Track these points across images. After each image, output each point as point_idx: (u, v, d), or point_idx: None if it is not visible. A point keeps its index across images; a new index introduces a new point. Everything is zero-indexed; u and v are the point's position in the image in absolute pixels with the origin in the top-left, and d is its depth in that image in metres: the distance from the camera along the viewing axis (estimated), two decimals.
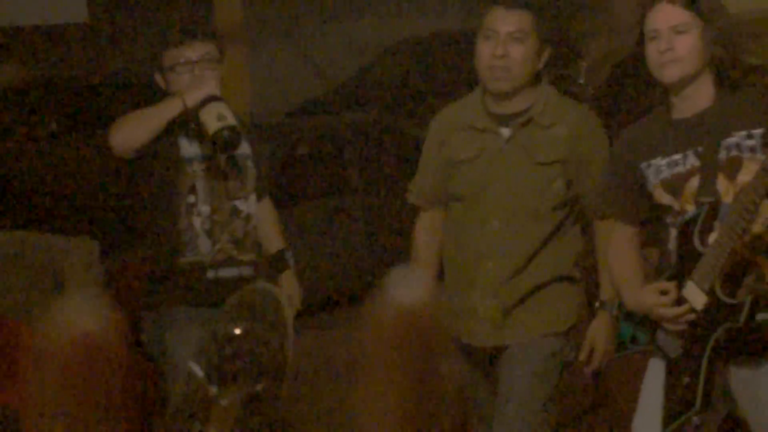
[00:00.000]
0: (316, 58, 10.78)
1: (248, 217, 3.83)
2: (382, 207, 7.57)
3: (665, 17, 2.99)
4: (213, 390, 2.21)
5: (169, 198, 3.72)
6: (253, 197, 3.87)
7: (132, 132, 3.66)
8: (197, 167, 3.74)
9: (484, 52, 3.39)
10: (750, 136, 2.96)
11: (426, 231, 3.62)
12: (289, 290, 3.91)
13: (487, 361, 3.49)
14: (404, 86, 9.80)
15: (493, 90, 3.40)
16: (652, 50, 3.00)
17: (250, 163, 3.87)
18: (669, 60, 2.98)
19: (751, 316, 2.89)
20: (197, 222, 3.74)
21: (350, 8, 11.08)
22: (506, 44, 3.36)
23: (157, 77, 3.79)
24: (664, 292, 3.01)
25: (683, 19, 2.98)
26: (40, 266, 5.38)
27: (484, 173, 3.44)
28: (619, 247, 3.21)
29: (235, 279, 3.74)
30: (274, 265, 3.95)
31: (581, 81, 5.24)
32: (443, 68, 9.53)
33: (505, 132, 3.43)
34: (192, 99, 3.63)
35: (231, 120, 3.63)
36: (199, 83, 3.67)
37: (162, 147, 3.69)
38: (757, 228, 2.95)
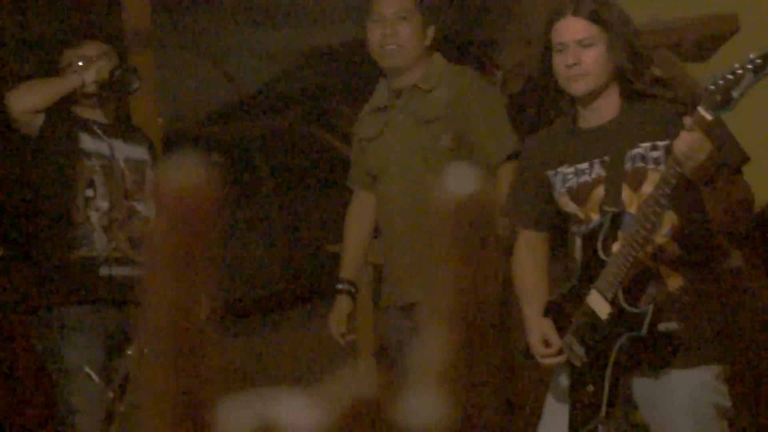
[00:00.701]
0: (227, 66, 10.71)
1: (146, 220, 3.81)
2: (296, 212, 7.56)
3: (571, 31, 3.01)
4: (109, 395, 2.17)
5: (66, 189, 3.73)
6: (151, 203, 3.84)
7: (30, 96, 3.73)
8: (96, 162, 3.76)
9: (375, 34, 3.63)
10: (655, 148, 2.99)
11: (354, 211, 3.84)
12: None
13: (406, 317, 3.65)
14: (318, 94, 9.78)
15: (388, 66, 3.65)
16: (559, 63, 3.02)
17: (148, 169, 3.88)
18: (576, 74, 2.99)
19: (653, 325, 2.91)
20: (95, 217, 3.73)
21: (263, 16, 11.02)
22: (393, 24, 3.60)
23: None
24: (547, 343, 3.04)
25: (589, 32, 3.00)
26: None
27: (387, 146, 3.67)
28: (521, 254, 3.21)
29: (129, 278, 3.73)
30: None
31: (498, 77, 5.25)
32: (357, 76, 9.51)
33: (399, 103, 3.66)
34: (89, 76, 3.74)
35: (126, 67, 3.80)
36: (90, 66, 3.77)
37: (61, 137, 3.74)
38: (659, 238, 2.97)
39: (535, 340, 3.07)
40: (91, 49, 3.83)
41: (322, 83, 10.41)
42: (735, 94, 2.77)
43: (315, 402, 0.49)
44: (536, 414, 3.25)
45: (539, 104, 3.39)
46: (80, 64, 3.80)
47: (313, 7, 11.89)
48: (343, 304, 3.77)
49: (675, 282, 3.00)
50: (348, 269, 3.82)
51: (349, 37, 11.08)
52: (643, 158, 2.99)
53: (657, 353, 2.96)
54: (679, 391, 2.98)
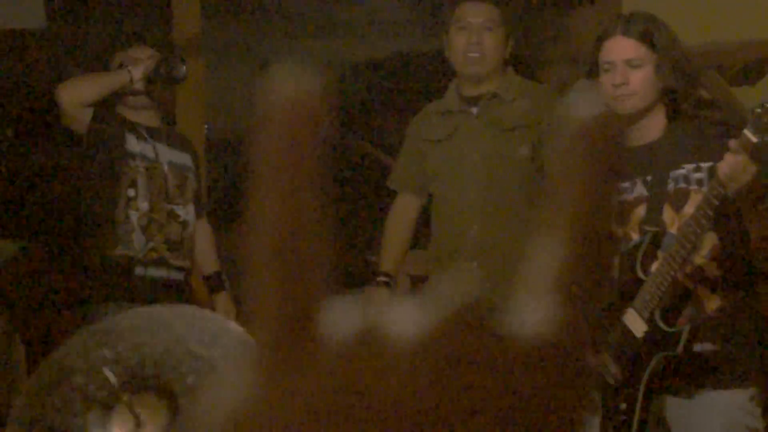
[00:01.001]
0: None
1: (185, 224, 3.87)
2: (340, 223, 7.59)
3: (620, 50, 3.02)
4: (125, 398, 2.16)
5: (111, 188, 3.78)
6: (191, 207, 3.92)
7: (80, 89, 3.79)
8: (140, 164, 3.81)
9: (460, 41, 3.64)
10: (698, 169, 2.99)
11: (398, 213, 3.85)
12: (224, 312, 3.94)
13: None
14: (364, 107, 9.81)
15: (469, 73, 3.67)
16: (606, 82, 3.02)
17: (191, 175, 3.94)
18: (623, 93, 3.00)
19: (689, 345, 2.91)
20: (134, 216, 3.78)
21: (313, 27, 11.08)
22: (480, 33, 3.63)
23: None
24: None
25: (637, 53, 3.01)
26: None
27: (458, 149, 3.66)
28: None
29: (164, 280, 3.79)
30: (210, 285, 3.98)
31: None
32: (403, 90, 9.54)
33: (475, 110, 3.67)
34: (137, 72, 3.80)
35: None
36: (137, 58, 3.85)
37: (108, 136, 3.78)
38: (698, 259, 2.97)
39: None
40: (140, 52, 3.89)
41: (369, 95, 10.45)
42: None
43: (421, 305, 0.49)
44: None
45: None
46: (132, 63, 3.85)
47: (363, 19, 11.95)
48: (381, 295, 3.74)
49: (712, 303, 2.99)
50: (388, 263, 3.81)
51: (397, 51, 11.13)
52: (686, 179, 2.99)
53: (692, 374, 2.96)
54: (712, 413, 2.97)
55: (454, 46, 3.68)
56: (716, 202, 2.83)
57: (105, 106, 3.85)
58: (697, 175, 2.99)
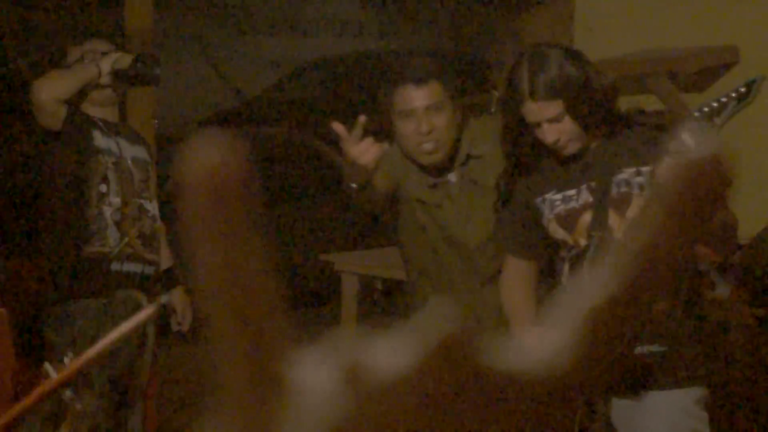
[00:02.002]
0: (227, 71, 10.72)
1: (154, 218, 3.88)
2: (289, 221, 7.57)
3: (537, 113, 3.00)
4: (68, 394, 2.14)
5: (81, 185, 3.76)
6: (155, 202, 3.93)
7: (56, 84, 3.75)
8: (108, 159, 3.80)
9: (408, 130, 3.36)
10: (638, 173, 3.01)
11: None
12: (179, 307, 3.99)
13: None
14: (316, 104, 9.80)
15: (429, 163, 3.41)
16: (541, 137, 3.03)
17: (151, 170, 3.96)
18: (563, 143, 3.02)
19: (632, 347, 2.92)
20: (107, 212, 3.77)
21: (264, 23, 11.04)
22: (429, 118, 3.35)
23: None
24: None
25: (554, 111, 2.99)
26: None
27: (452, 216, 3.48)
28: (510, 281, 3.24)
29: (139, 275, 3.80)
30: (165, 281, 3.99)
31: (492, 110, 5.27)
32: (356, 89, 9.54)
33: (452, 177, 3.47)
34: (105, 66, 3.78)
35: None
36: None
37: (78, 132, 3.77)
38: None
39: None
40: (98, 45, 3.88)
41: (319, 93, 10.42)
42: (718, 121, 2.80)
43: (402, 340, 0.49)
44: None
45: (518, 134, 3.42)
46: (92, 57, 3.84)
47: (315, 18, 11.91)
48: None
49: (658, 305, 3.00)
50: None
51: (348, 50, 11.12)
52: (628, 183, 3.02)
53: (636, 375, 2.97)
54: (657, 415, 2.99)
55: (404, 135, 3.38)
56: None
57: (71, 103, 3.84)
58: (638, 179, 3.01)
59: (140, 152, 3.95)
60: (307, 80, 10.56)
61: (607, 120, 3.06)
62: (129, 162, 3.86)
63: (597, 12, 4.52)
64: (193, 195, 0.49)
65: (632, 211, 2.97)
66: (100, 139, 3.82)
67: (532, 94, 3.00)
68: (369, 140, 3.23)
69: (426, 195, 3.48)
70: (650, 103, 4.02)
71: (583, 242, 3.04)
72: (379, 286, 5.90)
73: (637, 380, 2.98)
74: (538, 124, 3.03)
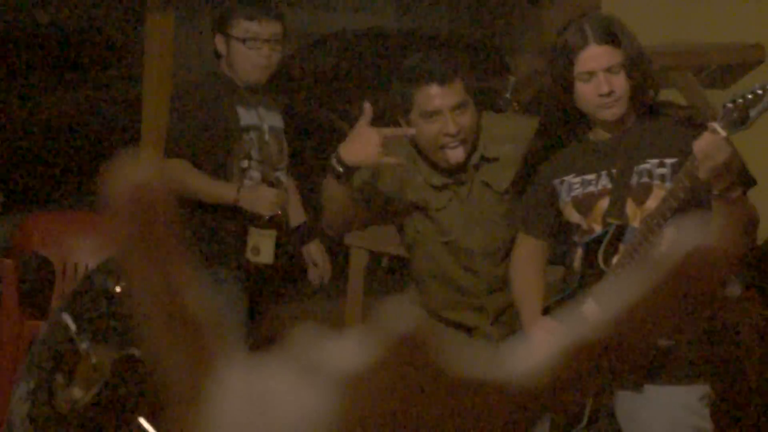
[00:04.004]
0: None
1: (286, 189, 3.91)
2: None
3: (598, 59, 3.01)
4: (83, 345, 2.12)
5: (225, 162, 3.79)
6: (287, 171, 3.97)
7: (180, 183, 3.67)
8: (253, 135, 3.83)
9: (431, 131, 3.24)
10: (662, 164, 3.00)
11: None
12: (319, 260, 4.04)
13: None
14: (329, 78, 9.78)
15: (451, 164, 3.30)
16: (588, 93, 3.02)
17: (283, 137, 3.97)
18: (610, 101, 3.01)
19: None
20: (248, 185, 3.80)
21: None
22: (454, 119, 3.23)
23: (218, 39, 3.88)
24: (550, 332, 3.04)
25: (615, 59, 3.01)
26: None
27: (457, 217, 3.37)
28: (522, 260, 3.22)
29: (279, 221, 3.82)
30: (301, 236, 4.03)
31: (507, 95, 5.24)
32: (371, 65, 9.51)
33: (464, 178, 3.35)
34: (246, 204, 3.72)
35: (264, 257, 3.75)
36: (259, 196, 3.75)
37: (222, 118, 3.78)
38: (659, 254, 2.97)
39: (538, 332, 3.07)
40: (265, 27, 3.86)
41: (333, 67, 10.41)
42: (753, 113, 2.79)
43: (361, 338, 0.49)
44: None
45: (549, 114, 3.39)
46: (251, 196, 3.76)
47: None
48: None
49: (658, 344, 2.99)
50: None
51: (368, 25, 11.10)
52: (650, 174, 3.01)
53: (641, 368, 2.96)
54: (660, 409, 2.98)
55: (426, 135, 3.26)
56: (682, 195, 2.85)
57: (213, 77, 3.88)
58: (661, 171, 3.00)
59: (276, 120, 3.94)
60: (321, 54, 10.54)
61: (641, 103, 3.06)
62: (267, 134, 3.87)
63: (622, 4, 4.51)
64: (120, 216, 0.53)
65: (652, 202, 2.96)
66: (244, 116, 3.83)
67: (598, 39, 3.00)
68: (383, 136, 3.17)
69: (429, 198, 3.36)
70: (672, 97, 4.00)
71: (597, 228, 3.03)
72: (385, 263, 5.90)
73: (642, 373, 2.97)
74: (592, 74, 3.00)
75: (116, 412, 2.04)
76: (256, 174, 3.82)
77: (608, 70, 3.00)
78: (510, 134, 3.39)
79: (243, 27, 3.83)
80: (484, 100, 3.54)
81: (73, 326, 2.14)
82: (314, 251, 4.06)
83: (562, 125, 3.18)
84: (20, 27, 8.42)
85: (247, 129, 3.82)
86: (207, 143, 3.78)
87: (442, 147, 3.26)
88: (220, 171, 3.80)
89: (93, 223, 5.19)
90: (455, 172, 3.34)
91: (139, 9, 5.59)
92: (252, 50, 3.81)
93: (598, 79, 3.00)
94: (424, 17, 10.95)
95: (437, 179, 3.35)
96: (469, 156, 3.33)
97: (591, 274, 3.00)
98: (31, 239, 5.04)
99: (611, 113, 3.02)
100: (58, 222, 5.16)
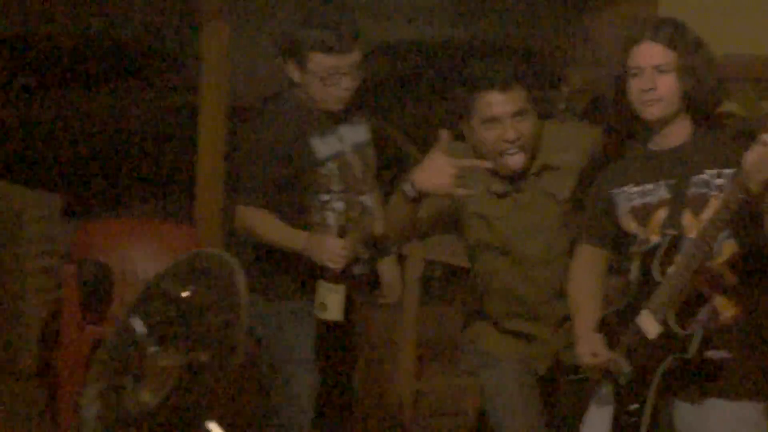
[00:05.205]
0: None
1: (372, 213, 3.74)
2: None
3: (649, 56, 3.02)
4: (151, 349, 2.15)
5: (303, 197, 3.65)
6: (373, 192, 3.77)
7: (252, 230, 3.61)
8: (333, 166, 3.65)
9: (490, 137, 3.28)
10: (719, 175, 3.00)
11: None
12: (389, 277, 3.89)
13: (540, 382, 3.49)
14: (382, 88, 9.81)
15: (510, 171, 3.33)
16: (634, 87, 3.03)
17: (369, 150, 3.77)
18: (651, 99, 3.01)
19: (701, 350, 2.92)
20: (331, 218, 3.67)
21: (336, 3, 11.05)
22: (514, 127, 3.27)
23: (290, 67, 3.62)
24: (595, 355, 3.05)
25: (666, 58, 3.02)
26: None
27: (517, 228, 3.38)
28: (581, 269, 3.23)
29: (356, 276, 3.71)
30: (376, 250, 3.83)
31: (562, 106, 5.24)
32: (423, 76, 9.53)
33: (524, 187, 3.37)
34: (313, 256, 3.56)
35: (331, 314, 3.59)
36: (327, 249, 3.56)
37: (296, 153, 3.61)
38: (716, 266, 2.98)
39: (584, 351, 3.09)
40: (345, 59, 3.58)
41: (386, 77, 10.43)
42: None
43: None
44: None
45: (608, 123, 3.40)
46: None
47: (386, 2, 11.92)
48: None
49: (729, 311, 3.00)
50: None
51: (418, 36, 11.12)
52: (707, 184, 3.01)
53: (703, 380, 2.96)
54: (719, 423, 2.98)
55: (486, 142, 3.29)
56: (735, 207, 2.84)
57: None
58: (718, 181, 3.00)
59: (360, 134, 3.74)
60: (375, 63, 10.57)
61: (700, 113, 3.06)
62: (349, 154, 3.68)
63: (680, 16, 4.49)
64: None
65: (708, 213, 2.96)
66: (321, 148, 3.63)
67: (654, 36, 3.00)
68: (457, 167, 3.16)
69: (489, 207, 3.38)
70: (730, 108, 3.99)
71: (654, 239, 3.04)
72: (438, 272, 5.92)
73: (703, 385, 2.97)
74: (641, 70, 3.00)
75: (184, 416, 2.07)
76: (338, 204, 3.66)
77: (657, 68, 3.01)
78: (572, 143, 3.41)
79: (320, 63, 3.55)
80: (540, 110, 3.50)
81: (141, 330, 2.19)
82: (389, 268, 3.90)
83: (621, 135, 3.19)
84: (80, 35, 8.53)
85: (325, 161, 3.64)
86: (282, 185, 3.62)
87: (502, 153, 3.29)
88: (298, 208, 3.66)
89: (152, 230, 5.26)
90: (516, 179, 3.36)
91: (195, 16, 5.64)
92: (331, 87, 3.58)
93: (645, 74, 3.01)
94: (477, 28, 10.96)
95: (498, 187, 3.37)
96: (529, 164, 3.35)
97: (646, 284, 3.01)
98: (91, 245, 5.11)
99: (650, 112, 3.02)
100: (117, 228, 5.22)
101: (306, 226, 3.65)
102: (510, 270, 3.41)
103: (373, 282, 3.90)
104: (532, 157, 3.35)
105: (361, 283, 3.80)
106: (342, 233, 3.60)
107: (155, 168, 7.79)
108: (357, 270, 3.73)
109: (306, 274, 3.65)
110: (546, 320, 3.43)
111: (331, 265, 3.57)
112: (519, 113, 3.28)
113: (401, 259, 4.54)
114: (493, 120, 3.27)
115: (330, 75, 3.57)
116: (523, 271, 3.40)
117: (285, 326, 3.69)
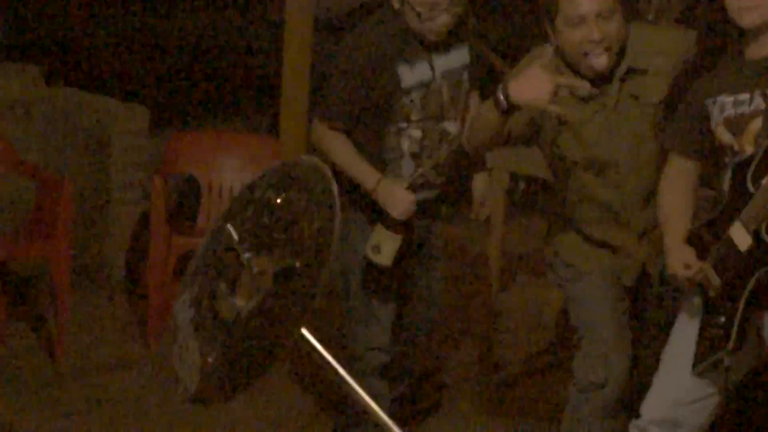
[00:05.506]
0: None
1: (453, 140, 3.70)
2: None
3: None
4: (245, 255, 2.16)
5: (380, 122, 3.63)
6: (458, 120, 3.71)
7: (327, 153, 3.61)
8: (416, 95, 3.62)
9: (575, 38, 3.22)
10: None
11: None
12: (480, 194, 3.88)
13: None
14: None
15: (594, 73, 3.27)
16: None
17: (465, 76, 3.72)
18: (749, 5, 2.95)
19: None
20: (405, 144, 3.65)
21: None
22: (600, 27, 3.21)
23: None
24: (687, 266, 3.01)
25: None
26: (87, 127, 5.42)
27: (602, 132, 3.34)
28: (672, 180, 3.19)
29: (423, 201, 3.69)
30: (455, 173, 3.80)
31: (650, 17, 5.12)
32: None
33: (610, 90, 3.31)
34: (380, 201, 3.58)
35: (383, 258, 3.61)
36: (396, 200, 3.58)
37: (381, 80, 3.58)
38: None
39: (675, 263, 3.06)
40: None
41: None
42: None
43: None
44: None
45: (704, 29, 3.33)
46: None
47: None
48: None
49: None
50: None
51: None
52: None
53: None
54: None
55: (570, 43, 3.24)
56: None
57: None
58: None
59: (455, 59, 3.67)
60: None
61: None
62: (437, 82, 3.63)
63: None
64: None
65: None
66: (408, 76, 3.59)
67: None
68: (556, 84, 3.09)
69: (574, 110, 3.32)
70: None
71: (749, 149, 2.99)
72: (522, 185, 5.89)
73: None
74: None
75: (277, 322, 2.09)
76: (415, 132, 3.64)
77: None
78: (662, 47, 3.34)
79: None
80: (631, 13, 3.44)
81: (235, 236, 2.20)
82: (481, 185, 3.90)
83: (716, 42, 3.13)
84: None
85: (409, 90, 3.60)
86: (362, 109, 3.60)
87: (586, 54, 3.24)
88: (374, 132, 3.64)
89: (238, 143, 5.30)
90: (601, 82, 3.31)
91: None
92: (427, 21, 3.53)
93: None
94: None
95: (582, 91, 3.32)
96: (615, 66, 3.29)
97: (739, 196, 2.97)
98: (178, 158, 5.17)
99: (747, 18, 2.95)
100: (204, 141, 5.26)
101: (379, 152, 3.65)
102: (595, 176, 3.38)
103: (461, 199, 3.87)
104: (619, 60, 3.30)
105: (434, 205, 3.79)
106: (412, 185, 3.61)
107: (241, 81, 7.83)
108: (423, 195, 3.71)
109: (371, 208, 3.66)
110: (632, 229, 3.41)
111: (394, 216, 3.59)
112: (605, 13, 3.22)
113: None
114: (579, 20, 3.22)
115: (429, 10, 3.53)
116: (609, 177, 3.37)
117: (352, 234, 3.72)
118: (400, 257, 3.69)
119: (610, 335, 3.41)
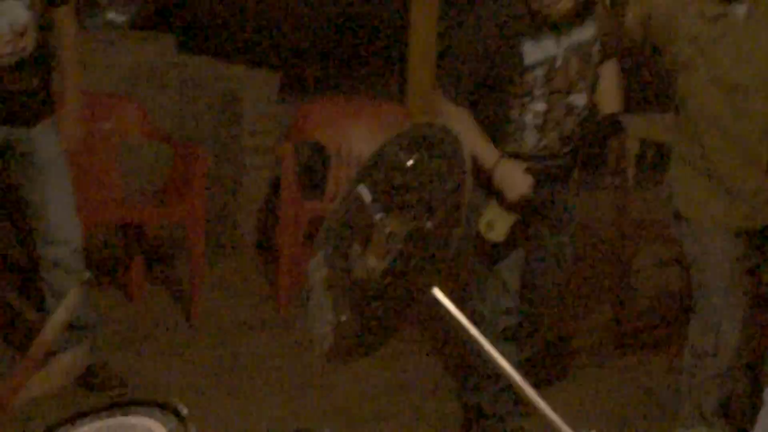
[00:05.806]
0: None
1: (580, 113, 3.68)
2: None
3: None
4: (378, 216, 2.19)
5: (503, 96, 3.62)
6: (589, 90, 3.69)
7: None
8: (539, 72, 3.59)
9: None
10: None
11: None
12: (617, 158, 3.92)
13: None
14: None
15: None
16: None
17: (595, 48, 3.67)
18: None
19: None
20: (528, 117, 3.63)
21: None
22: None
23: None
24: None
25: None
26: (219, 94, 5.50)
27: (731, 53, 3.27)
28: None
29: (548, 168, 3.68)
30: (605, 126, 3.76)
31: None
32: None
33: (739, 9, 3.25)
34: (498, 180, 3.57)
35: (495, 235, 3.60)
36: (514, 182, 3.56)
37: (503, 58, 3.56)
38: None
39: None
40: None
41: None
42: None
43: None
44: None
45: None
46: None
47: None
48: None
49: None
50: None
51: None
52: None
53: None
54: None
55: None
56: None
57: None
58: None
59: (584, 32, 3.63)
60: None
61: None
62: (563, 57, 3.58)
63: None
64: None
65: None
66: (530, 54, 3.56)
67: None
68: None
69: (703, 29, 3.25)
70: None
71: None
72: (650, 155, 5.83)
73: None
74: None
75: (410, 281, 2.11)
76: (540, 105, 3.60)
77: None
78: None
79: None
80: None
81: (367, 197, 2.23)
82: (616, 149, 3.88)
83: None
84: None
85: (533, 67, 3.57)
86: (484, 86, 3.58)
87: None
88: (497, 107, 3.62)
89: (366, 110, 5.34)
90: (731, 0, 3.24)
91: None
92: (554, 4, 3.49)
93: None
94: None
95: (711, 8, 3.26)
96: None
97: None
98: (307, 125, 5.23)
99: None
100: (332, 109, 5.32)
101: (502, 126, 3.63)
102: (722, 100, 3.29)
103: (596, 165, 3.80)
104: None
105: (561, 172, 3.75)
106: (532, 168, 3.57)
107: (369, 49, 7.87)
108: (548, 164, 3.68)
109: (487, 183, 3.64)
110: (759, 163, 3.31)
111: (510, 197, 3.58)
112: None
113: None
114: None
115: None
116: (737, 102, 3.28)
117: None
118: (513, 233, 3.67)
119: (723, 303, 3.35)
